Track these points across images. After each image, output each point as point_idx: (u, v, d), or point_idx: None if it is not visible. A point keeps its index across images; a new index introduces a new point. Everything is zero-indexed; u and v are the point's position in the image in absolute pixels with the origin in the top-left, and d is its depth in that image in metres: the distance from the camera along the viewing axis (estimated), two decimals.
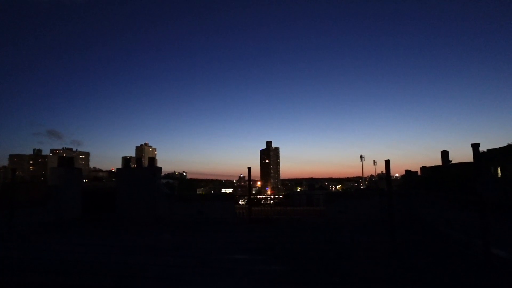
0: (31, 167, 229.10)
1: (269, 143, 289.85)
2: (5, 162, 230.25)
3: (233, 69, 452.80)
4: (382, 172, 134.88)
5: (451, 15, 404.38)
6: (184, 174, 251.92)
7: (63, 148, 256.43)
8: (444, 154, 62.77)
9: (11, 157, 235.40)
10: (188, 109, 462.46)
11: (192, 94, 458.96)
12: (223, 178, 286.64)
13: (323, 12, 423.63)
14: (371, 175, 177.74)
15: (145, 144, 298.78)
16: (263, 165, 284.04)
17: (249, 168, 16.18)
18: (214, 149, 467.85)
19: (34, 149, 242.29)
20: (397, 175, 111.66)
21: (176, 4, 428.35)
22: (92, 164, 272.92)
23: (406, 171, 50.05)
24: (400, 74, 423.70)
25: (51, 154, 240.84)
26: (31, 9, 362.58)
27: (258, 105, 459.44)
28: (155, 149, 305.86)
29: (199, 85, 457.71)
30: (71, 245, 10.36)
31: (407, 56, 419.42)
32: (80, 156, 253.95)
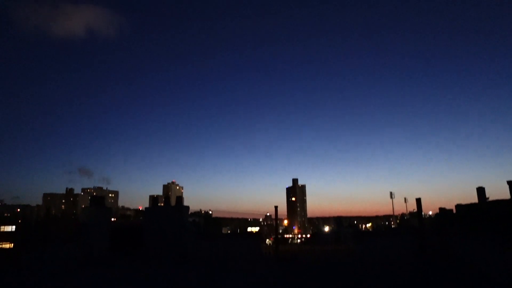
0: (62, 206, 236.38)
1: (295, 181, 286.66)
2: (39, 201, 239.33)
3: (259, 107, 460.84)
4: (413, 209, 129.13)
5: (486, 61, 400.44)
6: (210, 212, 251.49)
7: (94, 186, 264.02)
8: (480, 191, 59.83)
9: (45, 196, 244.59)
10: (214, 147, 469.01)
11: (219, 133, 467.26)
12: (249, 217, 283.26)
13: (350, 48, 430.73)
14: (403, 213, 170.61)
15: (172, 182, 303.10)
16: (289, 203, 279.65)
17: (276, 207, 16.11)
18: (240, 187, 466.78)
19: (66, 188, 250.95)
20: (430, 212, 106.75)
21: (204, 45, 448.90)
22: (121, 203, 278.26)
23: (440, 208, 47.92)
24: (432, 107, 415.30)
25: (82, 193, 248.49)
26: (59, 48, 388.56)
27: (284, 143, 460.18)
28: (182, 188, 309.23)
29: (225, 123, 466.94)
30: (100, 282, 10.43)
31: (438, 89, 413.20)
32: (110, 195, 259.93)
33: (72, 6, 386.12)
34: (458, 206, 46.77)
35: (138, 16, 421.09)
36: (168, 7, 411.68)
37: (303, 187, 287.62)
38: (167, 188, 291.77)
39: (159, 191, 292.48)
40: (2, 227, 49.05)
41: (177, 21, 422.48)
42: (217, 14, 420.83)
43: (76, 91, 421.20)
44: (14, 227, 49.95)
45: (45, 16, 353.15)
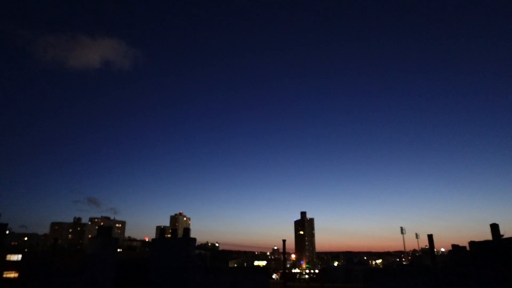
0: (70, 235, 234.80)
1: (303, 214, 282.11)
2: (47, 230, 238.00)
3: (267, 139, 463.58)
4: (425, 246, 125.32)
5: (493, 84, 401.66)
6: (217, 245, 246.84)
7: (101, 216, 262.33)
8: (494, 227, 58.09)
9: (53, 225, 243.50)
10: (222, 179, 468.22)
11: (227, 165, 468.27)
12: (256, 250, 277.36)
13: (357, 86, 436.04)
14: (414, 249, 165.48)
15: (180, 213, 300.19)
16: (297, 236, 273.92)
17: (284, 241, 15.83)
18: (247, 219, 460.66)
19: (74, 218, 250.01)
20: (443, 249, 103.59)
21: (215, 80, 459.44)
22: (127, 233, 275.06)
23: (453, 245, 46.56)
24: (445, 142, 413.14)
25: (89, 223, 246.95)
26: (75, 78, 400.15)
27: (292, 175, 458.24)
28: (189, 219, 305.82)
29: (233, 156, 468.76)
30: None
31: (451, 124, 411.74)
32: (117, 225, 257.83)
33: (89, 38, 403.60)
34: (471, 243, 45.24)
35: (153, 49, 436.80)
36: (182, 41, 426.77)
37: (312, 220, 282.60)
38: (174, 219, 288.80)
39: (166, 222, 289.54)
40: (8, 256, 48.87)
41: (190, 56, 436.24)
42: (229, 50, 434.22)
43: (86, 122, 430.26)
44: (20, 256, 49.75)
45: (62, 47, 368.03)
